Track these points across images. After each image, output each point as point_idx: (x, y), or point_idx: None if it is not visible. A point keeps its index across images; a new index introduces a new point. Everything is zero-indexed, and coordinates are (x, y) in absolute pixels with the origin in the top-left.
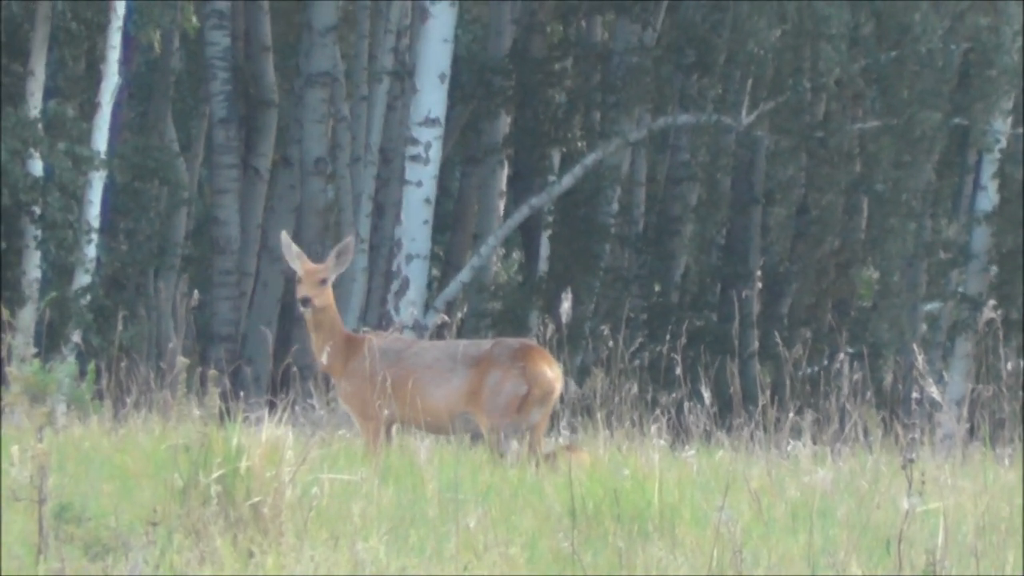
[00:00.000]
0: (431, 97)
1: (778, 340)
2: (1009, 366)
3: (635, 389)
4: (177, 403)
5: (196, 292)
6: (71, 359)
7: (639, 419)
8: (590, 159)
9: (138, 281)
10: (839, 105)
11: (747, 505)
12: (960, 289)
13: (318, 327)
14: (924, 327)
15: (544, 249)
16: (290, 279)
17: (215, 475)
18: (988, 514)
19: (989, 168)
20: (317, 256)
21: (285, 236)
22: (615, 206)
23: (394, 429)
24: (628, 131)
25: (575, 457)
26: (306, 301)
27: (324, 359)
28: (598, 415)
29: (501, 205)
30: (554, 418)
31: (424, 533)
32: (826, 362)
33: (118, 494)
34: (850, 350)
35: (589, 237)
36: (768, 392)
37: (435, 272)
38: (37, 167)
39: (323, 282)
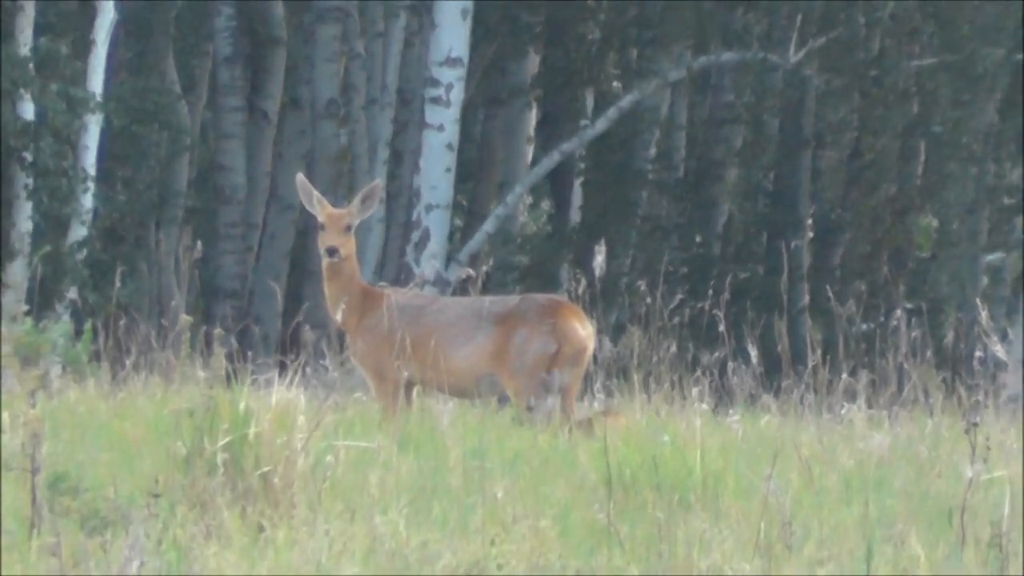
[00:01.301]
0: (452, 34)
1: (830, 294)
2: None
3: (674, 348)
4: (180, 364)
5: (200, 245)
6: (66, 318)
7: (679, 381)
8: (626, 101)
9: (137, 234)
10: (894, 41)
11: (796, 474)
12: None
13: (335, 278)
14: (986, 280)
15: (576, 198)
16: (302, 230)
17: (221, 442)
18: None
19: None
20: (331, 207)
21: (302, 178)
22: (653, 151)
23: (414, 392)
24: (667, 70)
25: (611, 422)
26: (332, 251)
27: (339, 315)
28: (635, 377)
29: (529, 151)
30: (587, 380)
31: (447, 505)
32: (882, 318)
33: (117, 463)
34: (908, 305)
35: (624, 184)
36: (819, 351)
37: (457, 223)
38: (28, 110)
39: (348, 228)
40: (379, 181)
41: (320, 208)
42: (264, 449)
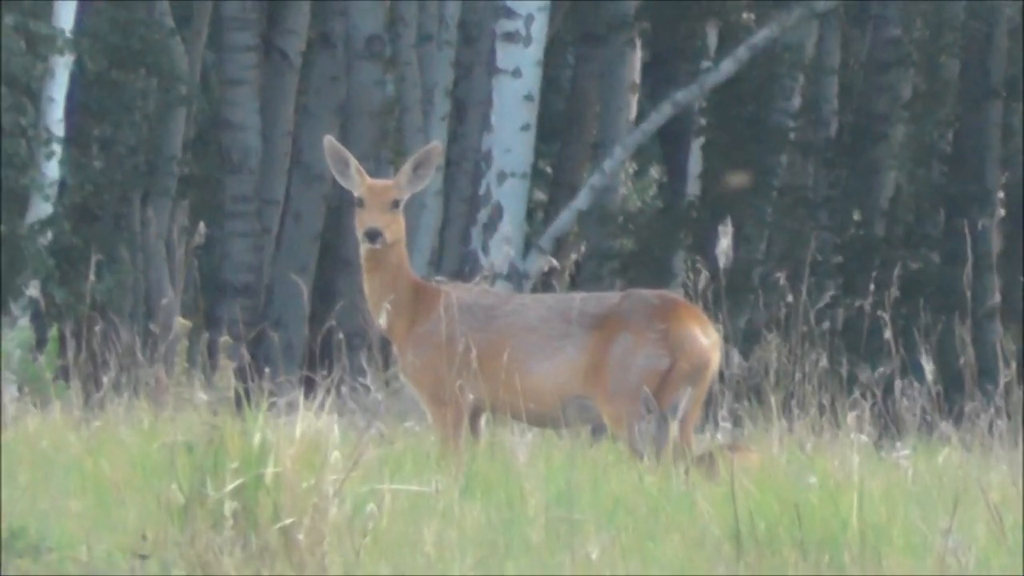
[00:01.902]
0: None
1: None
2: None
3: (824, 362)
4: (174, 384)
5: (201, 226)
6: (24, 322)
7: (830, 405)
8: (759, 36)
9: (118, 211)
10: None
11: (984, 525)
12: None
13: (378, 271)
14: None
15: (694, 164)
16: (334, 207)
17: (230, 486)
18: None
19: None
20: (371, 176)
21: (331, 141)
22: (796, 101)
23: (482, 420)
24: None
25: (741, 459)
26: (374, 234)
27: (383, 319)
28: (772, 399)
29: (633, 102)
30: (709, 404)
31: (525, 566)
32: None
33: (92, 514)
34: None
35: (758, 146)
36: (1014, 364)
37: (539, 197)
38: None
39: (395, 205)
40: (437, 143)
41: (358, 179)
42: (286, 495)
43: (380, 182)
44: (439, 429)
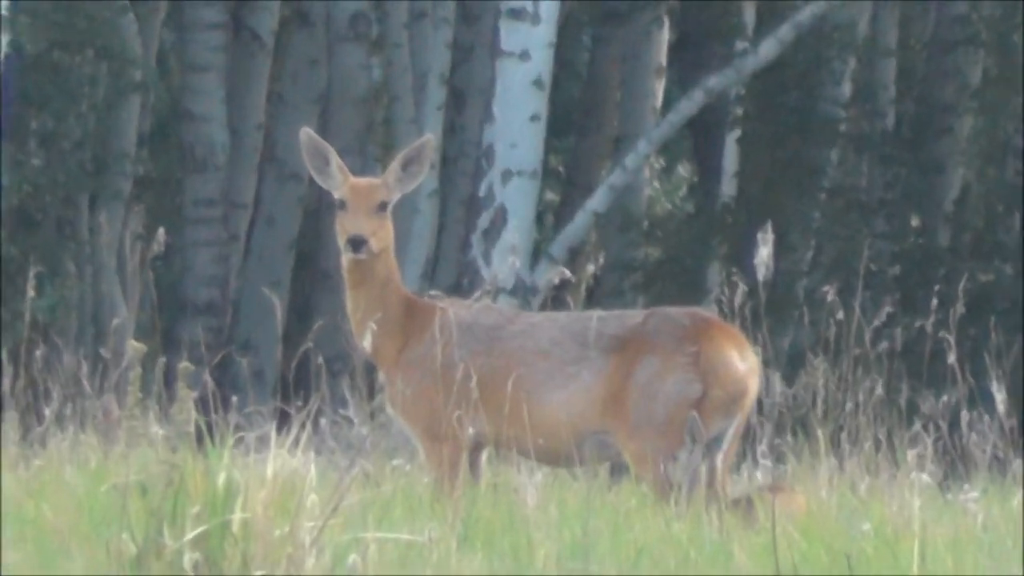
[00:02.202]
0: None
1: None
2: None
3: (880, 389)
4: (127, 416)
5: (159, 234)
6: None
7: (887, 439)
8: (805, 14)
9: (62, 217)
10: None
11: None
12: None
13: (363, 285)
14: None
15: (729, 160)
16: (312, 211)
17: (190, 535)
18: None
19: None
20: (355, 174)
21: (309, 134)
22: (847, 88)
23: (483, 457)
24: None
25: (783, 502)
26: (359, 242)
27: (368, 341)
28: (819, 433)
29: (659, 89)
30: (747, 438)
31: None
32: None
33: (31, 565)
34: None
35: (804, 140)
36: None
37: (551, 198)
38: None
39: (382, 208)
40: (431, 136)
41: (340, 178)
42: (256, 545)
43: (365, 181)
44: (433, 468)
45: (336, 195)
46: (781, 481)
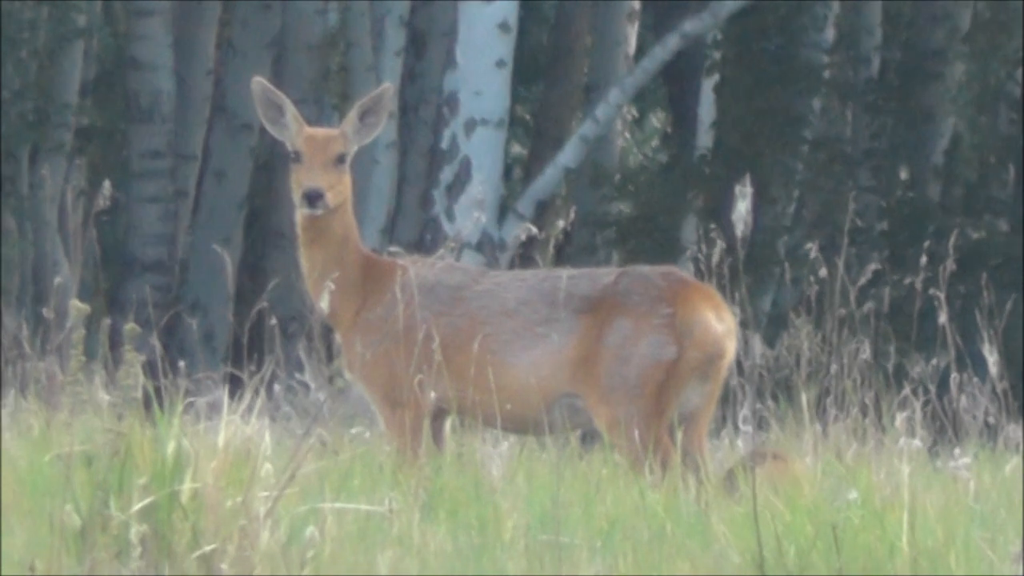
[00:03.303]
0: None
1: None
2: None
3: (867, 352)
4: (70, 381)
5: (103, 188)
6: None
7: (874, 404)
8: None
9: (1, 171)
10: None
11: None
12: None
13: (319, 242)
14: None
15: (706, 110)
16: (265, 164)
17: (137, 506)
18: None
19: None
20: (311, 125)
21: (261, 82)
22: (830, 33)
23: (447, 424)
24: None
25: (775, 470)
26: (315, 196)
27: (325, 302)
28: (803, 398)
29: (632, 35)
30: (726, 403)
31: None
32: None
33: None
34: None
35: (785, 88)
36: None
37: (518, 151)
38: None
39: (340, 160)
40: (389, 84)
41: (295, 128)
42: (207, 517)
43: (322, 132)
44: (394, 436)
45: (291, 147)
46: (774, 448)
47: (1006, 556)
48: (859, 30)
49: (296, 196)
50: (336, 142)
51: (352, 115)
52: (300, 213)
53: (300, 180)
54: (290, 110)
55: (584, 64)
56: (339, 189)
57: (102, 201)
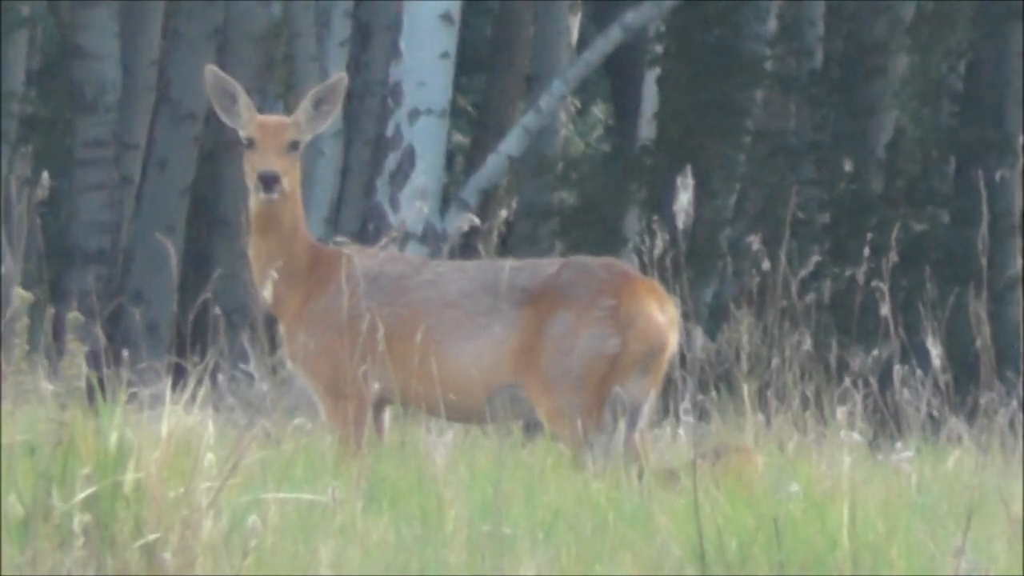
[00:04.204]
0: None
1: None
2: None
3: (808, 344)
4: (12, 371)
5: (45, 176)
6: None
7: (815, 396)
8: None
9: None
10: None
11: (1005, 542)
12: None
13: (269, 230)
14: None
15: (648, 101)
16: (208, 153)
17: (80, 496)
18: None
19: None
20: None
21: (214, 70)
22: (772, 25)
23: (387, 414)
24: None
25: (740, 461)
26: (271, 180)
27: (269, 290)
28: (744, 389)
29: (574, 25)
30: (667, 395)
31: None
32: None
33: None
34: None
35: (727, 80)
36: None
37: (461, 140)
38: None
39: (293, 147)
40: (344, 75)
41: (247, 115)
42: (149, 507)
43: (275, 119)
44: (337, 426)
45: (243, 134)
46: (734, 441)
47: (947, 549)
48: (802, 22)
49: (251, 181)
50: (289, 129)
51: (306, 103)
52: (255, 199)
53: (255, 165)
54: (243, 98)
55: (527, 55)
56: (292, 176)
57: (43, 190)
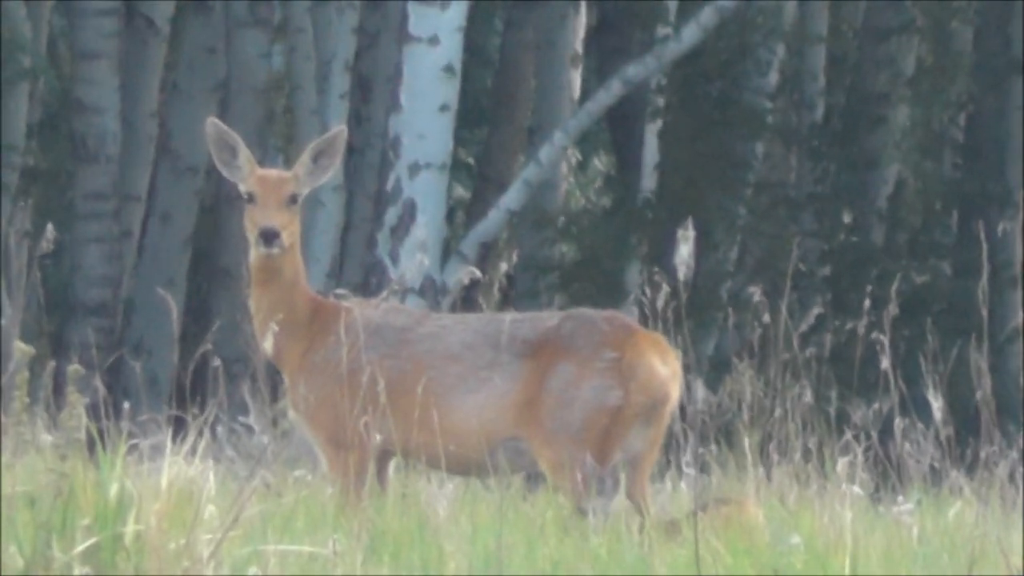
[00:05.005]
0: None
1: None
2: None
3: (809, 396)
4: (13, 423)
5: (47, 229)
6: None
7: (817, 448)
8: None
9: None
10: None
11: None
12: None
13: (271, 285)
14: None
15: (650, 153)
16: (209, 207)
17: (80, 547)
18: None
19: None
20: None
21: (216, 123)
22: (774, 78)
23: (391, 466)
24: None
25: (738, 512)
26: (271, 236)
27: (269, 342)
28: (746, 442)
29: (576, 78)
30: (669, 448)
31: None
32: None
33: None
34: None
35: (728, 132)
36: None
37: (461, 193)
38: None
39: (292, 201)
40: (343, 128)
41: (248, 169)
42: (150, 558)
43: (275, 173)
44: (338, 478)
45: (243, 188)
46: (736, 497)
47: None
48: (803, 74)
49: (251, 236)
50: (289, 183)
51: (305, 157)
52: (255, 253)
53: (255, 220)
54: (243, 152)
55: (527, 107)
56: (292, 230)
57: (45, 243)
